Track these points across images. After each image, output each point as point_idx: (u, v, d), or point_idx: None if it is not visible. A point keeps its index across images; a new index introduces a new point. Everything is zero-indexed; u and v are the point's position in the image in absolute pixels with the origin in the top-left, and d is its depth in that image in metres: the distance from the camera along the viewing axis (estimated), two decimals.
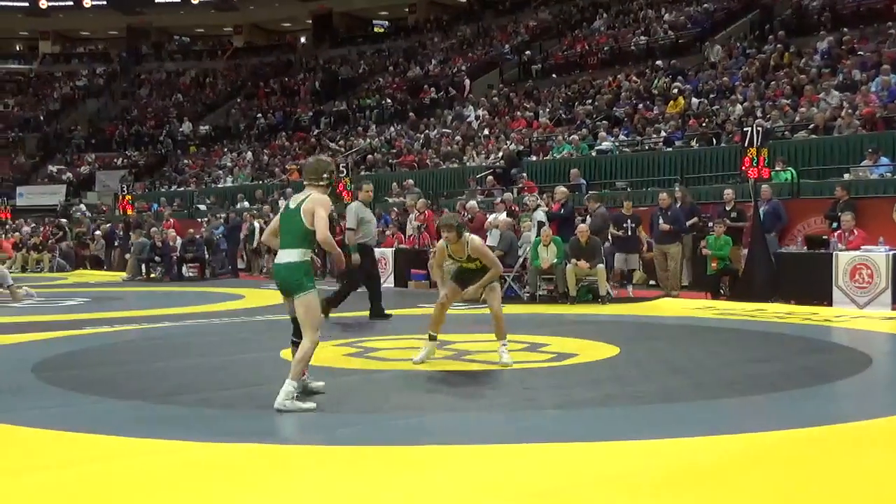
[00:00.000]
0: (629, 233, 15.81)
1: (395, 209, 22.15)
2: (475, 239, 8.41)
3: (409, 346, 9.86)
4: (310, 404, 6.40)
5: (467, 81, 35.67)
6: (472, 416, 6.28)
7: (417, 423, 6.08)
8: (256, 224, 24.07)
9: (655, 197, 18.29)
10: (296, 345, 6.70)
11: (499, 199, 19.64)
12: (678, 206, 15.93)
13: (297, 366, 6.46)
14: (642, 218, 16.38)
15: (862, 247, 13.42)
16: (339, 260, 7.07)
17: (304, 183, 6.85)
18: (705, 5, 31.39)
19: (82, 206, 36.87)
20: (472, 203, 19.49)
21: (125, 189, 29.60)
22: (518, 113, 29.47)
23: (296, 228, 6.58)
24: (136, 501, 4.49)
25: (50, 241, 29.17)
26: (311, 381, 7.00)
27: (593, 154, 23.10)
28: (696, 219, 16.25)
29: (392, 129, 34.47)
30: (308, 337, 6.50)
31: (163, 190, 37.75)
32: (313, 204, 6.57)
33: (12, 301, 14.22)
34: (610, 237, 16.10)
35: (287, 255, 6.61)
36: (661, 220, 15.27)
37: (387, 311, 12.97)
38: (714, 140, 21.29)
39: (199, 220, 27.61)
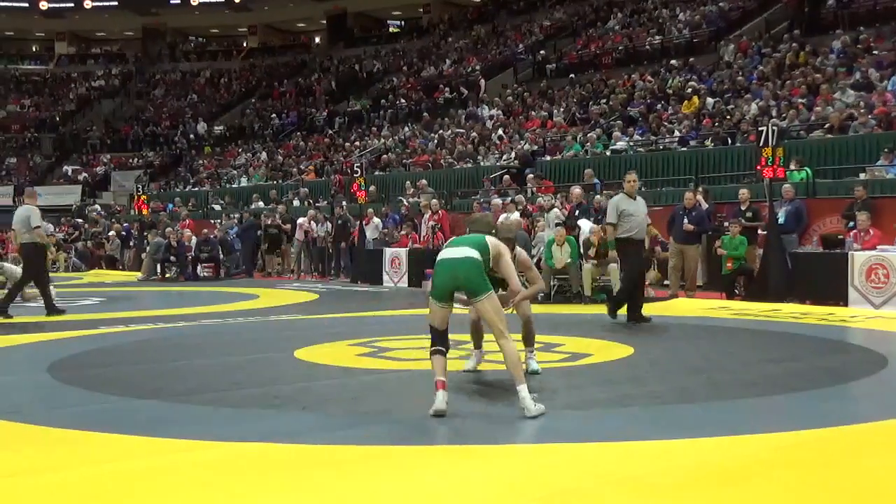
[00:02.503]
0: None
1: (407, 206, 22.13)
2: (522, 252, 7.87)
3: (422, 346, 9.84)
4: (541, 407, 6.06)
5: (482, 81, 35.65)
6: (486, 417, 6.26)
7: (432, 424, 6.07)
8: (266, 223, 24.10)
9: (670, 197, 18.26)
10: (440, 353, 6.33)
11: (508, 200, 19.61)
12: (700, 206, 15.89)
13: (517, 369, 6.19)
14: (658, 217, 16.32)
15: (878, 246, 13.35)
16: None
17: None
18: (720, 4, 31.30)
19: (97, 207, 37.01)
20: (497, 201, 19.45)
21: (140, 189, 29.68)
22: (532, 113, 29.45)
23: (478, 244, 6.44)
24: (153, 501, 4.50)
25: (66, 241, 29.29)
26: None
27: (608, 154, 23.07)
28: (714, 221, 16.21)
29: (406, 128, 34.48)
30: (505, 337, 6.25)
31: (177, 190, 37.87)
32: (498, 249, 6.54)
33: (22, 301, 14.30)
34: None
35: (466, 251, 6.35)
36: (685, 220, 15.21)
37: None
38: (729, 140, 21.21)
39: (213, 220, 27.67)
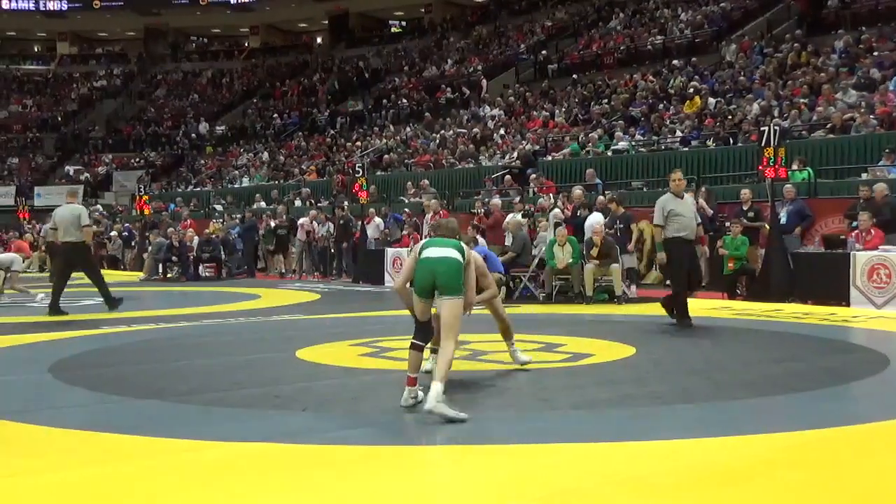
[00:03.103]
0: (618, 233, 15.76)
1: (408, 209, 22.14)
2: (478, 257, 7.89)
3: None
4: (460, 414, 5.97)
5: (484, 81, 35.65)
6: (487, 416, 6.26)
7: (432, 424, 6.07)
8: (273, 224, 24.14)
9: None
10: (417, 347, 6.55)
11: (517, 199, 19.64)
12: (707, 212, 15.89)
13: (443, 369, 6.24)
14: (636, 217, 16.40)
15: (880, 247, 13.34)
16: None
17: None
18: (722, 4, 31.28)
19: (99, 207, 37.04)
20: (497, 200, 19.47)
21: (142, 189, 29.73)
22: (534, 113, 29.45)
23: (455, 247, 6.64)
24: (153, 501, 4.50)
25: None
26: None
27: (609, 154, 23.06)
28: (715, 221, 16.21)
29: (408, 128, 34.50)
30: (451, 340, 6.40)
31: (179, 190, 37.91)
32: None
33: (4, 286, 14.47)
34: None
35: (448, 252, 6.54)
36: None
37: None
38: (731, 140, 21.20)
39: (214, 220, 27.67)
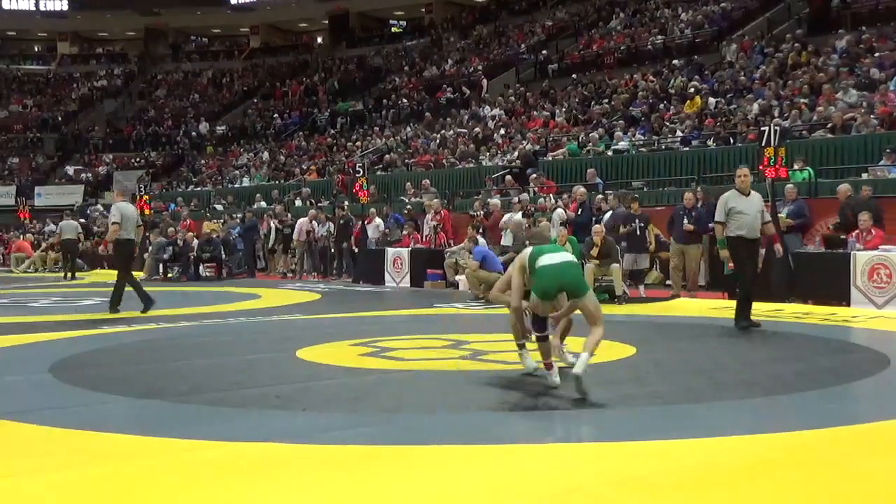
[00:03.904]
0: (637, 232, 15.76)
1: (410, 208, 22.14)
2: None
3: (424, 346, 9.87)
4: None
5: (484, 81, 35.64)
6: (488, 417, 6.26)
7: (433, 424, 6.07)
8: (273, 224, 24.16)
9: (672, 197, 18.24)
10: (544, 338, 7.11)
11: (516, 199, 19.64)
12: (700, 206, 15.86)
13: (594, 345, 6.87)
14: (661, 217, 16.32)
15: (880, 246, 13.33)
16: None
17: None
18: (722, 4, 31.28)
19: (100, 207, 37.03)
20: (496, 201, 19.48)
21: (142, 189, 29.66)
22: (534, 112, 29.44)
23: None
24: (153, 501, 4.50)
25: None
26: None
27: (609, 154, 23.06)
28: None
29: (408, 128, 34.50)
30: (601, 326, 7.02)
31: (180, 190, 37.91)
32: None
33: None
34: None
35: (567, 256, 7.18)
36: (685, 221, 15.19)
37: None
38: (731, 139, 21.20)
39: (208, 219, 27.66)
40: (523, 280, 7.39)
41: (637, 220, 15.88)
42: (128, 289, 13.78)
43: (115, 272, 14.28)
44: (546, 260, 7.05)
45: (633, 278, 15.78)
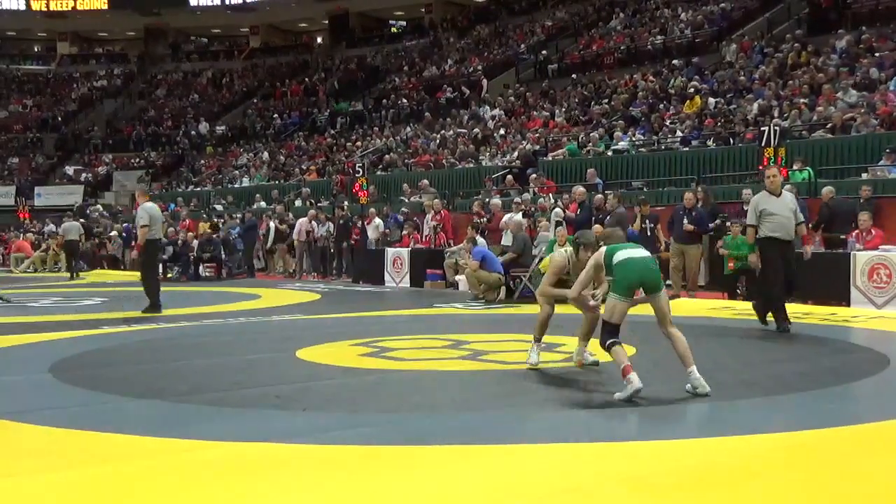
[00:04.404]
0: (647, 233, 15.75)
1: (408, 209, 22.14)
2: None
3: (424, 346, 9.87)
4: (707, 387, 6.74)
5: (485, 81, 35.63)
6: (488, 417, 6.26)
7: (433, 424, 6.07)
8: (272, 224, 24.17)
9: (672, 197, 18.24)
10: (617, 343, 6.97)
11: (518, 200, 19.65)
12: (700, 206, 15.87)
13: (687, 353, 6.91)
14: (661, 217, 16.32)
15: (880, 246, 13.33)
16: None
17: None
18: (722, 4, 31.28)
19: (99, 207, 37.05)
20: (496, 201, 19.49)
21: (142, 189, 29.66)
22: (534, 113, 29.44)
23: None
24: (153, 501, 4.50)
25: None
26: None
27: (609, 154, 23.06)
28: (718, 220, 16.18)
29: (408, 128, 34.49)
30: (673, 325, 7.06)
31: (179, 190, 37.90)
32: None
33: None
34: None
35: (644, 252, 7.18)
36: (685, 220, 15.19)
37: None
38: (731, 140, 21.20)
39: (203, 220, 27.66)
40: (590, 279, 7.55)
41: (647, 221, 15.87)
42: (139, 289, 13.90)
43: (113, 273, 14.32)
44: (625, 254, 7.04)
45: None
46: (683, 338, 6.96)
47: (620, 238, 7.64)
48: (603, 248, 7.39)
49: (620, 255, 7.03)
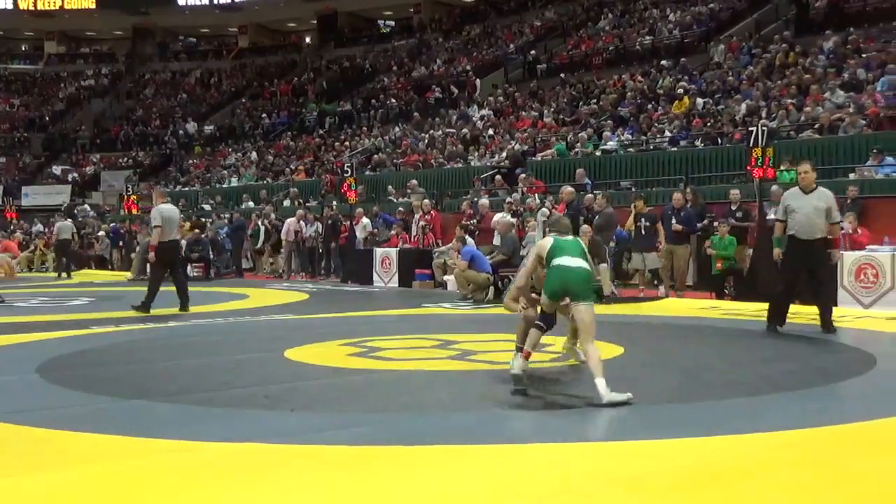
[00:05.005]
0: (643, 231, 15.75)
1: (402, 209, 22.13)
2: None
3: (412, 346, 9.86)
4: (627, 394, 6.43)
5: (478, 81, 35.60)
6: (477, 417, 6.26)
7: (424, 424, 6.07)
8: (262, 224, 24.13)
9: (660, 197, 18.26)
10: (539, 327, 7.00)
11: (508, 199, 19.67)
12: (689, 206, 15.89)
13: (599, 365, 6.57)
14: (658, 215, 16.37)
15: (867, 246, 13.38)
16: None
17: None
18: (710, 5, 31.36)
19: (87, 206, 36.92)
20: (485, 201, 19.50)
21: (130, 189, 29.63)
22: (523, 113, 29.47)
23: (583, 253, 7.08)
24: (144, 501, 4.48)
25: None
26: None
27: (598, 154, 23.09)
28: (706, 220, 16.22)
29: (397, 128, 34.48)
30: (592, 343, 6.72)
31: (167, 190, 37.74)
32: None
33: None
34: (632, 234, 16.09)
35: (579, 262, 6.93)
36: (673, 221, 15.23)
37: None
38: (719, 140, 21.26)
39: (183, 221, 27.57)
40: (535, 267, 7.28)
41: (643, 219, 15.88)
42: (135, 288, 13.85)
43: (101, 273, 14.29)
44: (560, 261, 6.92)
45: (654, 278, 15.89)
46: (596, 355, 6.63)
47: (566, 228, 7.45)
48: (549, 240, 7.21)
49: (557, 260, 6.94)
